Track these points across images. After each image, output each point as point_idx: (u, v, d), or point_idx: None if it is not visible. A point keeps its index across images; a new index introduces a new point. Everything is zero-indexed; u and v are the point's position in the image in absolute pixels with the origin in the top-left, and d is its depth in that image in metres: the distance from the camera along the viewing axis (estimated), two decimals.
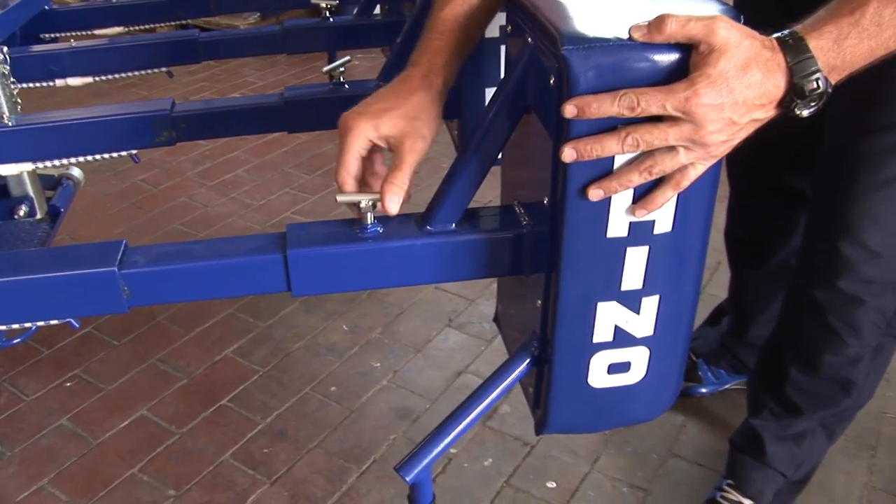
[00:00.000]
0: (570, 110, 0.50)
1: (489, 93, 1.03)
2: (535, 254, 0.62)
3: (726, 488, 1.06)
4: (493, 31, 1.00)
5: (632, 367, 0.62)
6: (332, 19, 1.29)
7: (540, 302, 0.61)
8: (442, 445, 0.62)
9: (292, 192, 1.94)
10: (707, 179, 0.54)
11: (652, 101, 0.49)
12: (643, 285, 0.58)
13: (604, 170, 0.53)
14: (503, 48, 1.01)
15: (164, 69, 1.33)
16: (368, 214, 0.63)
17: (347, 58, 1.06)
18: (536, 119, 0.58)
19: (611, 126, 0.51)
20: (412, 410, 1.27)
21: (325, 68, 1.06)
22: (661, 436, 1.22)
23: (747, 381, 1.08)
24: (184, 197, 1.92)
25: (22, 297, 0.63)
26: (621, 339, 0.60)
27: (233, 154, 2.14)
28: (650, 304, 0.59)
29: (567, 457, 1.20)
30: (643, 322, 0.60)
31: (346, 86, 1.06)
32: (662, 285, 0.58)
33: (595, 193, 0.53)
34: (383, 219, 0.64)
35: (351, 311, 1.50)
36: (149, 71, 1.30)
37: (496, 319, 0.80)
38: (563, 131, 0.52)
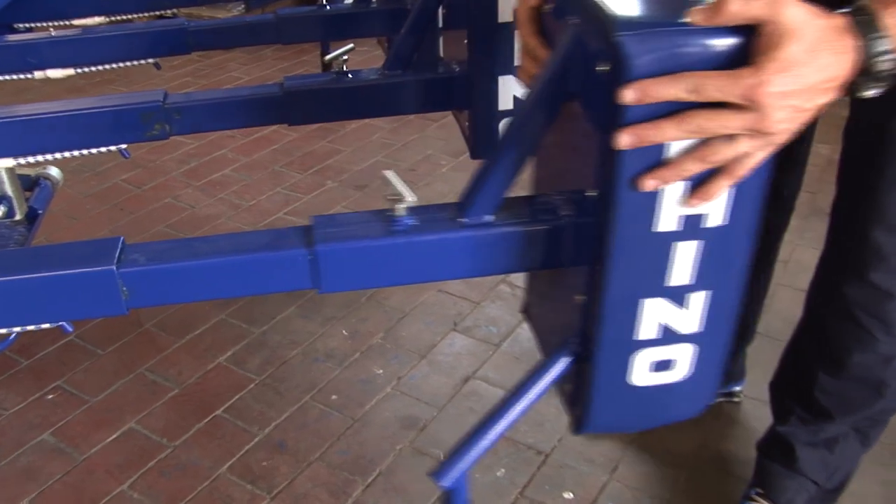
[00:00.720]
0: (628, 95, 0.49)
1: (502, 81, 1.02)
2: (576, 246, 0.62)
3: (755, 497, 1.04)
4: (505, 15, 0.99)
5: (676, 364, 0.61)
6: (328, 7, 1.27)
7: (581, 297, 0.61)
8: (480, 448, 0.61)
9: (284, 191, 1.92)
10: (762, 169, 0.53)
11: (715, 87, 0.48)
12: (692, 280, 0.57)
13: (657, 159, 0.52)
14: (517, 34, 0.99)
15: (150, 60, 1.30)
16: (401, 206, 0.63)
17: (351, 45, 1.05)
18: (578, 106, 0.57)
19: (667, 112, 0.50)
20: (418, 419, 1.25)
21: (328, 56, 1.04)
22: (683, 443, 1.21)
23: (769, 386, 1.07)
24: (169, 198, 1.90)
25: (9, 299, 0.61)
26: (666, 336, 0.60)
27: (220, 152, 2.12)
28: (697, 300, 0.58)
29: (584, 466, 1.18)
30: (689, 319, 0.59)
31: (350, 75, 1.05)
32: (711, 281, 0.58)
33: (649, 183, 0.52)
34: (416, 210, 0.64)
35: (350, 316, 1.49)
36: (133, 63, 1.27)
37: (525, 311, 0.80)
38: (616, 118, 0.52)
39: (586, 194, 0.57)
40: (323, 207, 1.84)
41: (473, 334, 1.43)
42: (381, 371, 1.35)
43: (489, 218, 0.62)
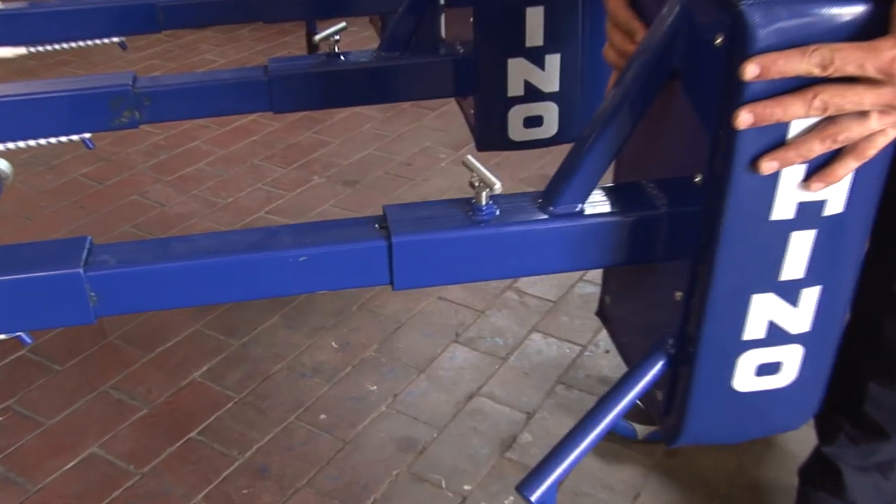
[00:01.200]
0: (751, 71, 0.50)
1: (512, 65, 1.02)
2: (675, 238, 0.62)
3: None
4: None
5: (782, 367, 0.62)
6: None
7: (680, 293, 0.61)
8: (569, 461, 0.63)
9: (265, 188, 1.91)
10: (887, 150, 0.54)
11: (849, 59, 0.48)
12: (805, 274, 0.58)
13: (777, 139, 0.53)
14: (528, 11, 1.00)
15: (115, 40, 1.29)
16: (483, 193, 0.63)
17: (343, 24, 1.04)
18: (679, 84, 0.58)
19: (789, 88, 0.51)
20: (416, 441, 1.25)
21: (318, 36, 1.03)
22: (714, 467, 1.21)
23: None
24: (135, 194, 1.89)
25: None
26: (774, 335, 0.61)
27: (192, 144, 2.11)
28: (810, 295, 0.59)
29: (602, 493, 1.18)
30: (800, 316, 0.60)
31: (343, 57, 1.05)
32: (825, 275, 0.59)
33: (768, 166, 0.53)
34: (496, 199, 0.65)
35: (340, 326, 1.48)
36: (94, 42, 1.26)
37: (600, 314, 0.81)
38: (733, 96, 0.52)
39: (693, 180, 0.58)
40: (309, 205, 1.83)
41: (477, 346, 1.43)
42: (374, 387, 1.35)
43: (580, 207, 0.63)
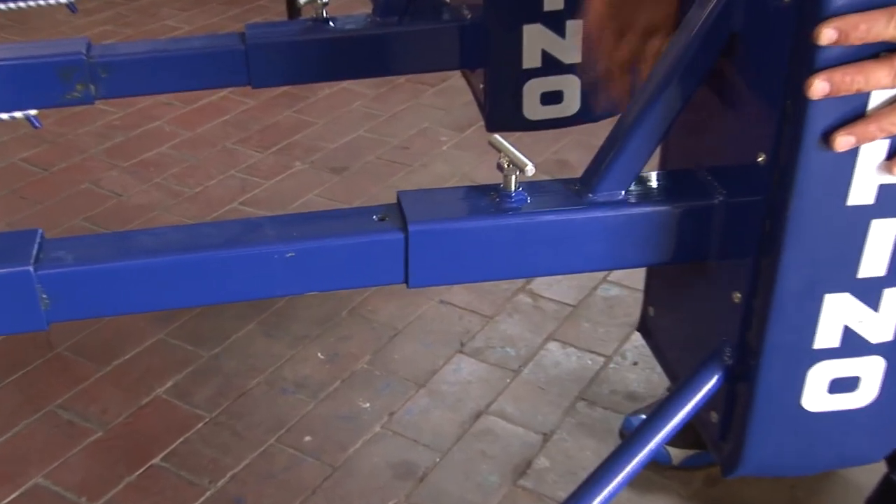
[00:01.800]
0: (827, 35, 0.50)
1: (528, 32, 1.02)
2: (732, 230, 0.62)
3: None
4: None
5: (860, 383, 0.62)
6: None
7: (738, 295, 0.61)
8: (608, 491, 0.62)
9: (239, 175, 1.91)
10: None
11: None
12: (887, 272, 0.58)
13: (854, 111, 0.53)
14: None
15: (63, 0, 1.29)
16: (512, 178, 0.64)
17: None
18: (740, 51, 0.58)
19: (870, 53, 0.51)
20: (416, 466, 1.25)
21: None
22: (763, 499, 1.21)
23: None
24: (87, 182, 1.89)
25: None
26: (851, 344, 0.60)
27: (153, 125, 2.11)
28: (893, 298, 0.59)
29: None
30: (882, 323, 0.60)
31: (331, 23, 1.04)
32: None
33: (844, 141, 0.53)
34: (527, 185, 0.66)
35: (327, 334, 1.48)
36: (36, 3, 1.25)
37: (642, 329, 0.81)
38: (803, 62, 0.52)
39: (755, 161, 0.57)
40: (290, 195, 1.83)
41: (485, 357, 1.43)
42: (367, 405, 1.35)
43: (623, 195, 0.64)
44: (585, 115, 1.09)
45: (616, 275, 1.58)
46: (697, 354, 0.66)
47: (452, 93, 2.19)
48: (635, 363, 1.41)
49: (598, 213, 0.63)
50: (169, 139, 2.05)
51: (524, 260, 0.64)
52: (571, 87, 1.05)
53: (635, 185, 0.65)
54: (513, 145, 0.66)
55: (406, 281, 0.64)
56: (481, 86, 1.09)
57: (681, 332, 0.73)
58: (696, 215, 0.63)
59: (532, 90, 1.05)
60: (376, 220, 0.64)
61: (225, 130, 2.08)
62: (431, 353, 1.44)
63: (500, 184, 0.65)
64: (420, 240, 0.62)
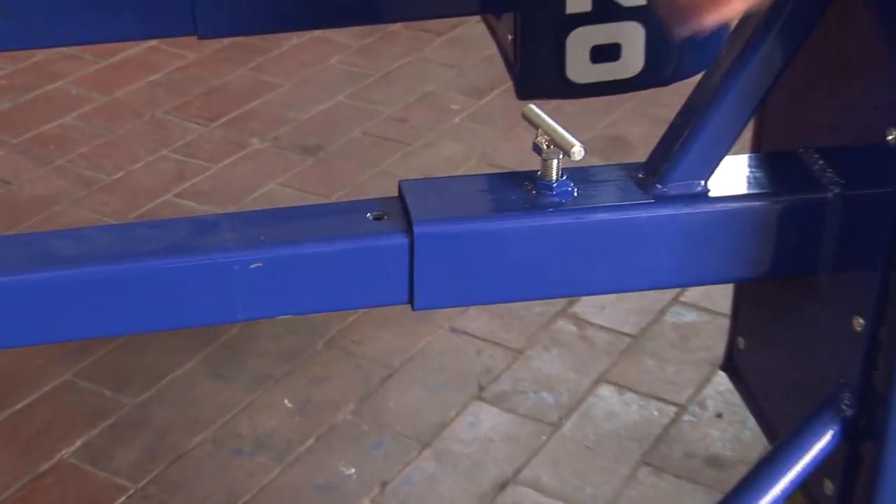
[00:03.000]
0: None
1: None
2: (851, 235, 0.63)
3: None
4: None
5: None
6: None
7: (860, 322, 0.62)
8: None
9: (174, 157, 1.92)
10: None
11: None
12: None
13: None
14: None
15: None
16: (553, 163, 0.65)
17: None
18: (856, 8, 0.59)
19: None
20: None
21: None
22: None
23: None
24: None
25: None
26: None
27: (54, 85, 2.11)
28: None
29: None
30: None
31: None
32: None
33: None
34: (573, 173, 0.67)
35: (297, 374, 1.48)
36: None
37: (728, 368, 0.82)
38: None
39: (885, 140, 0.58)
40: (244, 184, 1.83)
41: (513, 406, 1.43)
42: (352, 470, 1.35)
43: (702, 186, 0.64)
44: (651, 77, 1.09)
45: (692, 294, 1.58)
46: (805, 402, 0.66)
47: (466, 44, 2.19)
48: (719, 415, 1.41)
49: (670, 211, 0.64)
50: (76, 106, 2.04)
51: (568, 273, 0.64)
52: (633, 38, 1.06)
53: (719, 172, 0.65)
54: (553, 118, 0.66)
55: (410, 301, 0.64)
56: (510, 37, 1.10)
57: (781, 372, 0.73)
58: (803, 213, 0.64)
59: (579, 42, 1.06)
60: (371, 218, 0.64)
61: (154, 94, 2.08)
62: (440, 400, 1.44)
63: (536, 170, 0.66)
64: (429, 245, 0.63)
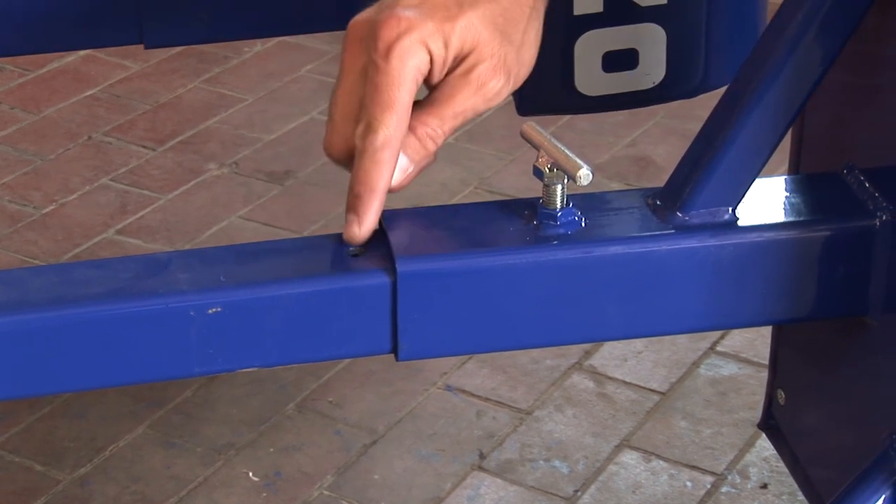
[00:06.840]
0: None
1: None
2: None
3: None
4: None
5: None
6: None
7: None
8: None
9: (117, 185, 1.93)
10: None
11: None
12: None
13: None
14: None
15: None
16: (558, 188, 0.65)
17: None
18: None
19: None
20: None
21: None
22: None
23: None
24: None
25: None
26: None
27: None
28: None
29: None
30: None
31: None
32: None
33: None
34: (580, 199, 0.68)
35: (264, 442, 1.49)
36: None
37: (766, 425, 0.83)
38: None
39: None
40: (201, 218, 1.85)
41: (520, 477, 1.44)
42: None
43: (730, 214, 0.65)
44: (674, 88, 1.10)
45: (731, 342, 1.59)
46: (854, 462, 0.67)
47: None
48: (763, 485, 1.42)
49: (692, 242, 0.65)
50: (1, 125, 2.06)
51: (575, 316, 0.65)
52: (652, 42, 1.07)
53: (749, 197, 0.66)
54: (557, 137, 0.67)
55: (394, 350, 0.65)
56: None
57: (827, 429, 0.74)
58: (848, 244, 0.64)
59: (590, 47, 1.07)
60: (348, 255, 0.65)
61: (92, 112, 2.09)
62: (433, 471, 1.44)
63: (538, 198, 0.67)
64: (414, 285, 0.63)
